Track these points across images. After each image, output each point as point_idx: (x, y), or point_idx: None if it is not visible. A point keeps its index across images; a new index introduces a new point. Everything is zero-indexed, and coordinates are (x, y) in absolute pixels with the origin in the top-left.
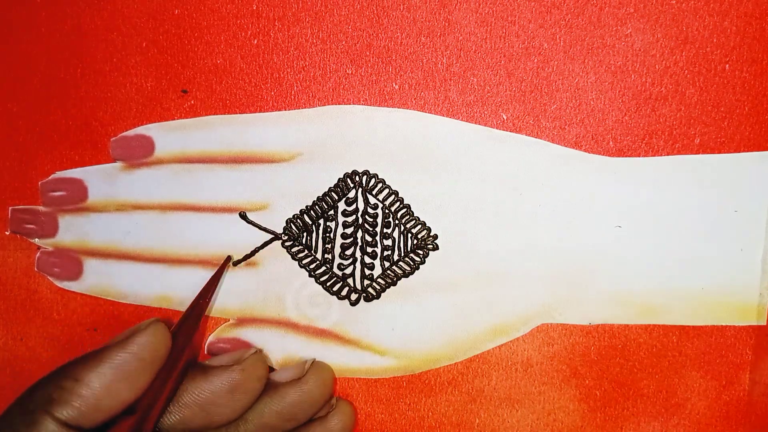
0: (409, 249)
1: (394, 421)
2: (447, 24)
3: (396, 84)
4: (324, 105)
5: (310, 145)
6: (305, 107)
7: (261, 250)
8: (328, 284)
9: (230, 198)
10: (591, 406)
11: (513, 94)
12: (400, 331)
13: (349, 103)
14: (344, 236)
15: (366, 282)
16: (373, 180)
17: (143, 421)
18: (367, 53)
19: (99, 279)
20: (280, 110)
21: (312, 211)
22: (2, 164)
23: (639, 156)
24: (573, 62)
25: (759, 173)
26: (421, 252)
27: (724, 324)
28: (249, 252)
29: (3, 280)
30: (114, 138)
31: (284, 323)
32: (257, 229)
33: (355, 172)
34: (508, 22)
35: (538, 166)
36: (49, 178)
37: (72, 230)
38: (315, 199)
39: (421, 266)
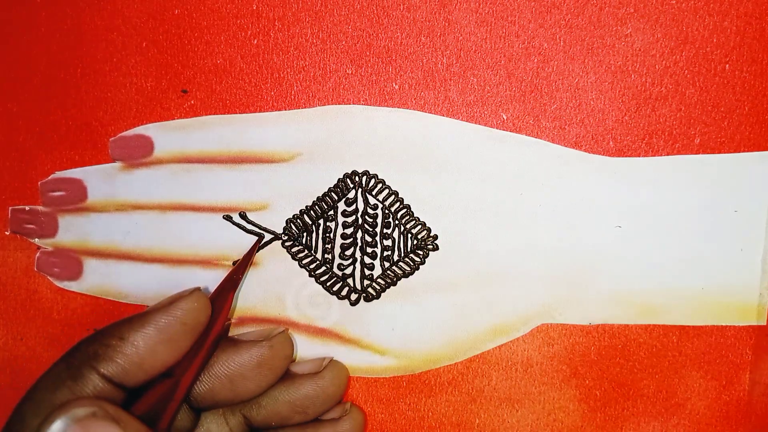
0: (409, 249)
1: (394, 421)
2: (447, 24)
3: (396, 84)
4: (324, 105)
5: (310, 145)
6: (305, 107)
7: (261, 250)
8: (328, 284)
9: (230, 198)
10: (591, 406)
11: (513, 94)
12: (400, 331)
13: (349, 103)
14: (344, 236)
15: (366, 282)
16: (373, 180)
17: (179, 385)
18: (367, 53)
19: (99, 279)
20: (280, 110)
21: (312, 211)
22: (2, 164)
23: (639, 156)
24: (573, 62)
25: (759, 173)
26: (421, 252)
27: (724, 324)
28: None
29: (3, 280)
30: (113, 138)
31: (284, 323)
32: (258, 229)
33: (354, 173)
34: (508, 22)
35: (538, 166)
36: (49, 178)
37: (72, 230)
38: (315, 200)
39: (421, 266)
